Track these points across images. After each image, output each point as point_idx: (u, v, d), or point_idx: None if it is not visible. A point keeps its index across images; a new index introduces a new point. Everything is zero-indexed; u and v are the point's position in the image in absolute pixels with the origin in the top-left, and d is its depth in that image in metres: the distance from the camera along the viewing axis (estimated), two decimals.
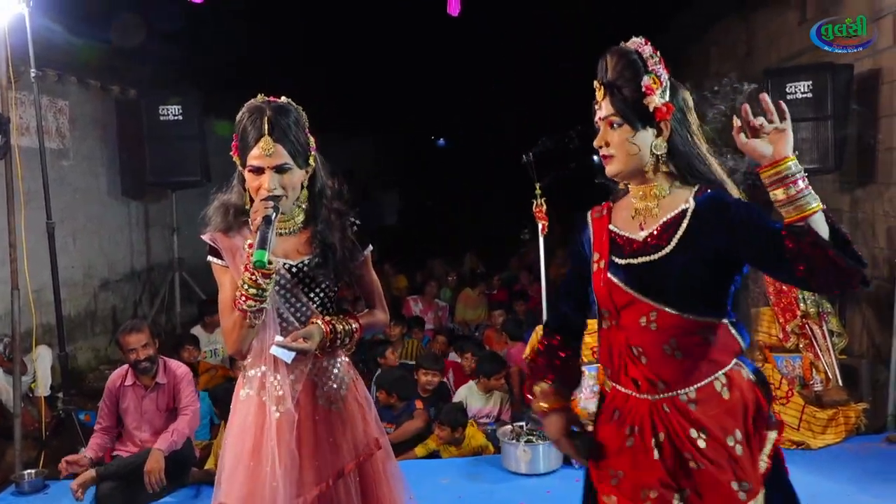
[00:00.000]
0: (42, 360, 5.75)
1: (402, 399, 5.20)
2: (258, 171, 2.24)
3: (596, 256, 2.03)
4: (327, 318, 2.39)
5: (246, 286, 2.18)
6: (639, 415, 1.98)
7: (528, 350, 5.27)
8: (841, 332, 5.26)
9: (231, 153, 2.32)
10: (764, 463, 2.01)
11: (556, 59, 13.82)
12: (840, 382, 5.02)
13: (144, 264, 8.58)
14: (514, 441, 4.52)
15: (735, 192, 2.00)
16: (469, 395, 5.47)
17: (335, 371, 2.45)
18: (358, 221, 2.47)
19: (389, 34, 10.95)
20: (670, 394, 1.96)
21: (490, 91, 16.13)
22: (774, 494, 2.03)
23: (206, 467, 4.71)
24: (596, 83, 1.96)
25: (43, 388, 5.61)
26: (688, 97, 2.02)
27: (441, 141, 24.00)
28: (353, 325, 2.43)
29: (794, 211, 1.73)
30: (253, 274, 2.16)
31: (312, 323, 2.36)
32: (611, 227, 2.06)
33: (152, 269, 8.70)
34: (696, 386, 1.95)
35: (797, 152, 1.79)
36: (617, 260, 2.00)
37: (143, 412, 4.48)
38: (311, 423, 2.37)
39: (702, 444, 1.91)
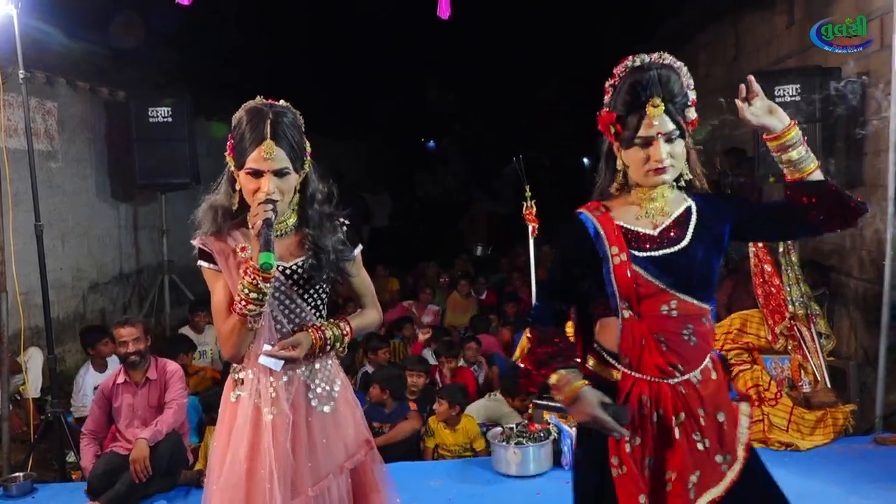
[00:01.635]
0: (33, 362, 5.72)
1: (393, 398, 5.20)
2: (257, 174, 2.23)
3: (615, 250, 2.12)
4: (317, 324, 2.39)
5: (246, 290, 2.17)
6: (662, 398, 2.12)
7: (518, 352, 5.29)
8: (829, 333, 5.28)
9: (226, 153, 2.31)
10: (744, 435, 2.20)
11: (545, 62, 13.88)
12: (828, 384, 5.04)
13: (133, 267, 8.55)
14: (504, 443, 4.53)
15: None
16: (488, 408, 5.43)
17: (327, 372, 2.45)
18: (347, 222, 2.47)
19: (381, 37, 10.96)
20: (685, 377, 2.14)
21: (478, 94, 16.19)
22: (755, 462, 2.23)
23: (195, 468, 4.71)
24: (655, 100, 2.05)
25: (33, 391, 5.59)
26: None
27: (431, 143, 24.01)
28: (345, 329, 2.43)
29: (797, 171, 2.07)
30: (254, 278, 2.15)
31: (302, 329, 2.36)
32: (620, 223, 2.16)
33: (141, 272, 8.67)
34: (699, 368, 2.16)
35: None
36: (637, 253, 2.13)
37: (135, 409, 4.55)
38: (304, 424, 2.37)
39: (702, 421, 2.13)
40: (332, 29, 10.82)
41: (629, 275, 2.10)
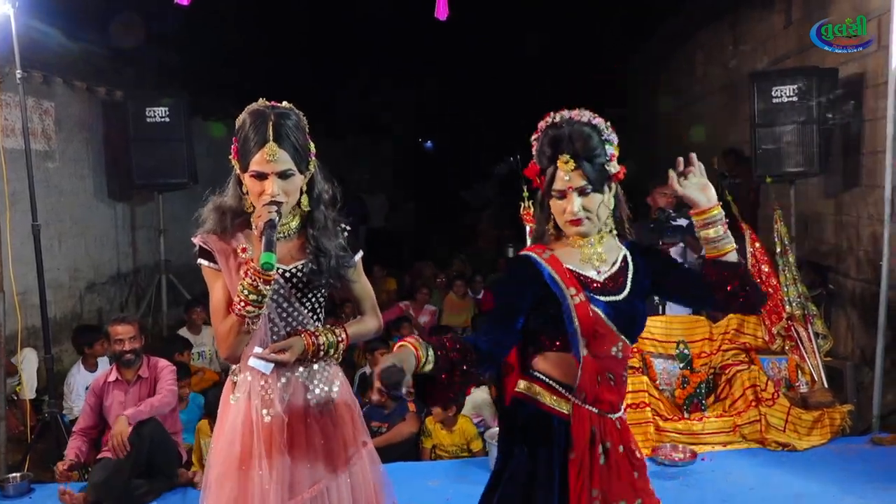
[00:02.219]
0: (27, 363, 5.71)
1: (392, 399, 5.19)
2: (261, 176, 2.23)
3: (573, 291, 2.18)
4: (312, 329, 2.38)
5: (246, 292, 2.17)
6: (608, 432, 2.23)
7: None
8: (826, 334, 5.29)
9: (230, 156, 2.31)
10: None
11: (543, 63, 13.87)
12: (825, 384, 5.05)
13: (131, 266, 8.54)
14: None
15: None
16: (474, 398, 5.51)
17: (326, 374, 2.45)
18: (349, 228, 2.46)
19: (379, 37, 10.96)
20: (616, 414, 2.27)
21: (477, 94, 16.17)
22: None
23: (192, 470, 4.70)
24: (564, 156, 2.15)
25: (28, 392, 5.58)
26: None
27: (429, 143, 23.99)
28: (340, 336, 2.42)
29: (715, 249, 2.20)
30: (254, 279, 2.15)
31: (297, 333, 2.35)
32: (568, 266, 2.22)
33: (138, 272, 8.66)
34: (623, 406, 2.30)
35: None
36: (597, 296, 2.21)
37: (126, 407, 4.49)
38: (302, 425, 2.36)
39: (637, 454, 2.29)
40: (331, 29, 10.81)
41: (591, 314, 2.17)
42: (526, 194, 4.72)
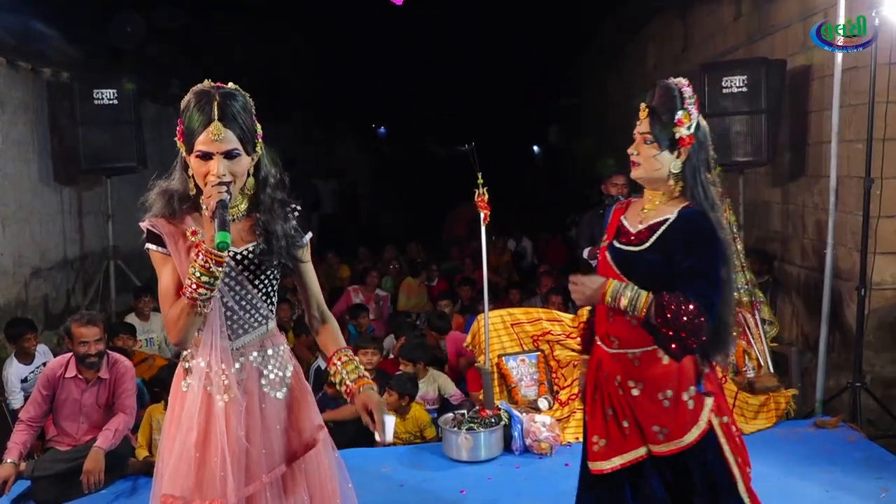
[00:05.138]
0: None
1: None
2: (207, 156, 2.19)
3: (605, 237, 2.66)
4: (364, 374, 2.50)
5: (198, 273, 2.13)
6: (605, 361, 2.60)
7: (469, 338, 5.30)
8: (772, 320, 5.41)
9: (176, 139, 2.27)
10: (703, 424, 2.52)
11: (496, 52, 13.91)
12: (771, 369, 5.17)
13: (77, 252, 8.36)
14: (455, 429, 4.55)
15: (722, 217, 2.55)
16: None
17: (280, 358, 2.43)
18: (299, 209, 2.44)
19: (333, 22, 10.88)
20: (621, 350, 2.56)
21: (432, 80, 16.17)
22: (696, 458, 2.52)
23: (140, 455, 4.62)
24: (642, 105, 2.51)
25: None
26: (707, 134, 2.54)
27: (382, 129, 23.90)
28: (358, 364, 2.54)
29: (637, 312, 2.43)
30: (206, 261, 2.11)
31: (255, 319, 2.36)
32: (622, 217, 2.64)
33: (86, 258, 8.48)
34: (641, 349, 2.52)
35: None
36: (615, 243, 2.59)
37: (82, 406, 4.37)
38: (258, 410, 2.35)
39: (635, 392, 2.53)
40: (280, 13, 10.70)
41: (602, 259, 2.61)
42: (481, 181, 4.73)
